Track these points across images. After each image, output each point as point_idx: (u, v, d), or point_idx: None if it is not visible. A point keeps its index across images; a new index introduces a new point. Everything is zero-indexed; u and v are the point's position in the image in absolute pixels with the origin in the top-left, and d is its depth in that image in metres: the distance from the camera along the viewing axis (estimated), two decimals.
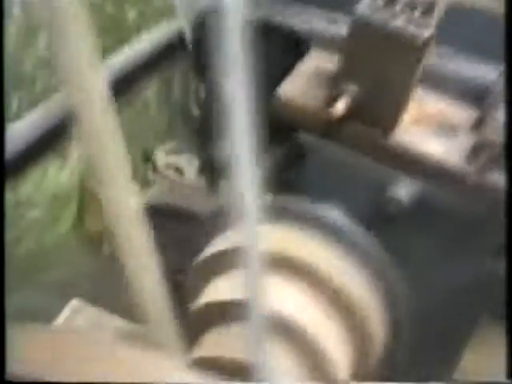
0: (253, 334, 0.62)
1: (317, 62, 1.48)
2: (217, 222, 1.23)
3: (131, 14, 2.40)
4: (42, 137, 2.09)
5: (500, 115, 1.28)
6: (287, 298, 1.09)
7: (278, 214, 1.20)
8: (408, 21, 1.21)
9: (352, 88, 1.26)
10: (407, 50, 1.20)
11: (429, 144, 1.35)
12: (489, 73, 1.39)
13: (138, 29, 2.49)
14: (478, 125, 1.39)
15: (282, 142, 1.42)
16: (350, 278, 1.14)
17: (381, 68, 1.25)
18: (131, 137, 2.32)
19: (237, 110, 0.66)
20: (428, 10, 1.27)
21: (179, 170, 2.72)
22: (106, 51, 2.29)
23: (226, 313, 1.03)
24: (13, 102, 1.96)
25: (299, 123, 1.37)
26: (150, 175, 2.67)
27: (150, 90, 2.71)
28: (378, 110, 1.30)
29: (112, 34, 2.31)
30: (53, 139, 2.19)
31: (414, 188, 1.34)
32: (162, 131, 2.91)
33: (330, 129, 1.34)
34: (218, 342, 1.09)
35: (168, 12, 2.69)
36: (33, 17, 1.94)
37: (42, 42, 2.01)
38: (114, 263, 2.13)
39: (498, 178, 1.28)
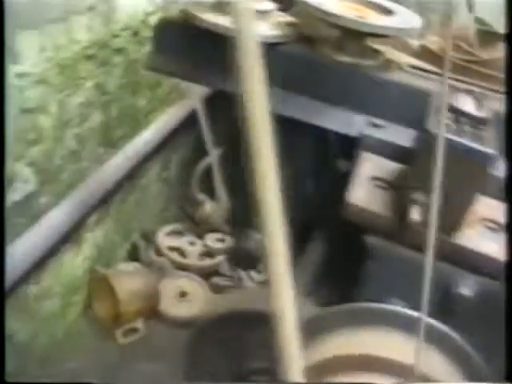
0: None
1: (371, 167, 1.60)
2: (311, 328, 1.30)
3: (141, 102, 2.49)
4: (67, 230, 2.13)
5: None
6: None
7: (365, 317, 1.29)
8: (475, 138, 1.34)
9: (422, 197, 1.38)
10: (477, 167, 1.33)
11: (483, 242, 1.48)
12: None
13: (147, 114, 2.58)
14: None
15: (350, 243, 1.52)
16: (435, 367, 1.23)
17: (449, 180, 1.37)
18: (133, 219, 2.40)
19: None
20: (485, 125, 1.41)
21: (181, 252, 2.77)
22: (122, 139, 2.36)
23: None
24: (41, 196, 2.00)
25: (367, 227, 1.47)
26: (153, 257, 2.71)
27: (152, 171, 2.77)
28: (445, 216, 1.41)
29: (127, 122, 2.39)
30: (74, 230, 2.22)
31: (476, 284, 1.46)
32: (162, 213, 2.97)
33: (398, 232, 1.45)
34: None
35: (171, 97, 2.80)
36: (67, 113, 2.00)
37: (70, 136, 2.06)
38: (129, 351, 2.13)
39: None
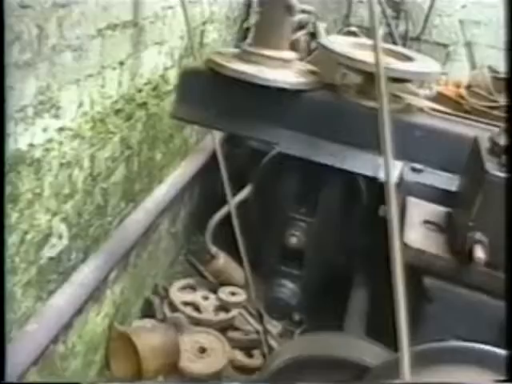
0: None
1: (419, 211, 1.63)
2: (388, 373, 1.31)
3: (158, 156, 2.50)
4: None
5: None
6: None
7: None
8: None
9: (483, 238, 1.41)
10: None
11: None
12: None
13: (161, 168, 2.59)
14: None
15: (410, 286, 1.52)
16: None
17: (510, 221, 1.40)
18: (147, 275, 2.37)
19: None
20: None
21: (196, 307, 2.73)
22: (140, 193, 2.36)
23: None
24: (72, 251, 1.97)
25: (426, 269, 1.49)
26: (167, 313, 2.66)
27: (162, 226, 2.76)
28: (503, 256, 1.44)
29: (145, 176, 2.39)
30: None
31: None
32: (172, 268, 2.94)
33: (457, 272, 1.47)
34: None
35: (182, 150, 2.82)
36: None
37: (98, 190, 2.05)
38: None
39: None
